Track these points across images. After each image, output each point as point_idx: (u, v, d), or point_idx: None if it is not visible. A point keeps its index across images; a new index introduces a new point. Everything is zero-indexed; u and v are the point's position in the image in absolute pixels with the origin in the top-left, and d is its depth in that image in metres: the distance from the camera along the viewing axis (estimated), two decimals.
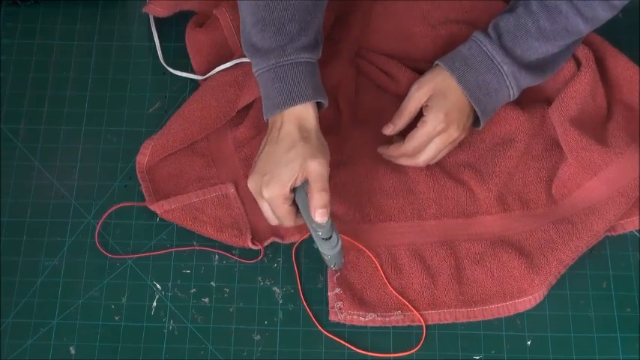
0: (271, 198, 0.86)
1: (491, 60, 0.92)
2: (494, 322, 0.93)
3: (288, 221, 0.89)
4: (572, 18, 0.89)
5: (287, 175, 0.85)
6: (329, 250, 0.88)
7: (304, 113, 0.87)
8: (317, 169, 0.85)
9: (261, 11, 0.87)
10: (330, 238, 0.87)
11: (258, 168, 0.88)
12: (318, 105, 0.90)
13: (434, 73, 0.94)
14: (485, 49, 0.92)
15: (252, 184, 0.88)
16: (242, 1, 0.89)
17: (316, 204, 0.84)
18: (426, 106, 0.93)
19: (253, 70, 0.90)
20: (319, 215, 0.84)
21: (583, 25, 0.90)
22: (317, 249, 0.93)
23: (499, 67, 0.92)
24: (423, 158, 0.95)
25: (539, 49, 0.92)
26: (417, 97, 0.94)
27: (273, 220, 0.90)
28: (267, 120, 0.90)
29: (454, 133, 0.93)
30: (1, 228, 0.98)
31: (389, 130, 0.96)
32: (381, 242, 0.96)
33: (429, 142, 0.93)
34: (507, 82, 0.93)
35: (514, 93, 0.94)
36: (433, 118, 0.92)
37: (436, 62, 0.95)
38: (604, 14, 0.90)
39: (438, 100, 0.93)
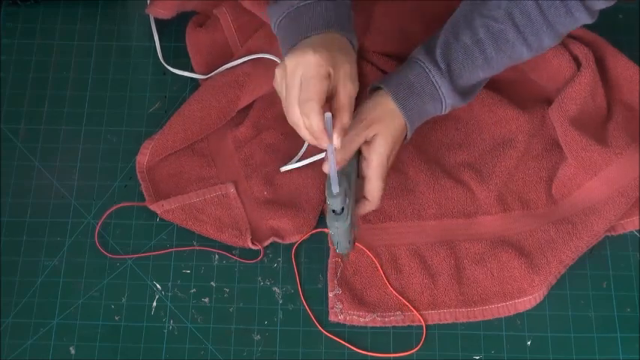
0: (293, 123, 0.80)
1: (437, 91, 0.87)
2: (494, 322, 0.93)
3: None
4: (519, 47, 0.87)
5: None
6: (336, 228, 0.83)
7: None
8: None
9: None
10: (342, 212, 0.82)
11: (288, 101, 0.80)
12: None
13: (376, 103, 0.86)
14: (433, 79, 0.86)
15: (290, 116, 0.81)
16: None
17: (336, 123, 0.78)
18: (368, 142, 0.85)
19: (271, 20, 0.87)
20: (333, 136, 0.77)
21: (527, 53, 0.88)
22: (317, 247, 0.93)
23: (442, 98, 0.88)
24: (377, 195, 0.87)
25: (481, 76, 0.89)
26: (364, 135, 0.84)
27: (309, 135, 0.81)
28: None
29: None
30: (1, 228, 0.98)
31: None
32: (381, 242, 0.96)
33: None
34: (443, 110, 0.89)
35: (444, 104, 0.90)
36: (380, 162, 0.84)
37: (377, 84, 0.88)
38: (549, 43, 0.87)
39: (382, 139, 0.84)
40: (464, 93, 0.89)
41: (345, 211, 0.82)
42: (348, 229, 0.84)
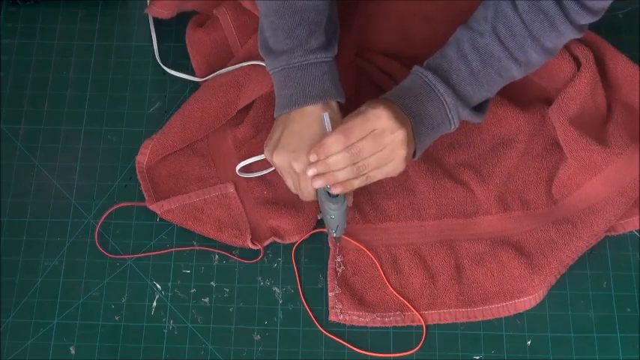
0: (302, 171, 0.88)
1: (433, 89, 0.88)
2: (494, 322, 0.93)
3: (311, 194, 0.90)
4: (505, 62, 0.87)
5: None
6: (333, 211, 0.87)
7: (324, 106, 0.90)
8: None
9: (272, 16, 0.90)
10: (337, 195, 0.87)
11: (284, 144, 0.89)
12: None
13: (377, 102, 0.87)
14: (423, 77, 0.88)
15: (280, 159, 0.89)
16: (259, 1, 0.91)
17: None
18: None
19: (267, 69, 0.93)
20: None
21: (516, 69, 0.88)
22: (317, 247, 0.93)
23: (440, 95, 0.88)
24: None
25: (474, 95, 0.89)
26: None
27: (294, 190, 0.92)
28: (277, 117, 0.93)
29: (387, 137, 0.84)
30: (1, 228, 0.98)
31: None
32: (381, 242, 0.96)
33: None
34: (450, 113, 0.88)
35: (454, 126, 0.90)
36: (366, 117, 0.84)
37: (381, 97, 0.88)
38: (537, 58, 0.88)
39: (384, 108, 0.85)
40: (465, 100, 0.89)
41: (341, 195, 0.86)
42: (345, 211, 0.88)
